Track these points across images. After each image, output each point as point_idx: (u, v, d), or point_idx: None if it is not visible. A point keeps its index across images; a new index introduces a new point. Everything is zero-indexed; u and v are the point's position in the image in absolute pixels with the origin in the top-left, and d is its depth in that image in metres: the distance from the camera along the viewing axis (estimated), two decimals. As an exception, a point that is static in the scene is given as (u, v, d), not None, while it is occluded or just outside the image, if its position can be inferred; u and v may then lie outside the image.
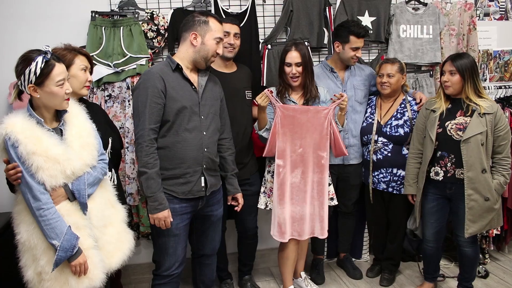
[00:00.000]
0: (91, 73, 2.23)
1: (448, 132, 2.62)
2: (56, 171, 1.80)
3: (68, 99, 1.90)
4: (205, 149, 2.32)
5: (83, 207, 1.93)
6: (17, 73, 1.82)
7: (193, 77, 2.33)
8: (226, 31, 2.68)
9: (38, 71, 1.78)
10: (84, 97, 2.26)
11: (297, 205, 2.70)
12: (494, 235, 3.35)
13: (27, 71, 1.78)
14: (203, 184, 2.33)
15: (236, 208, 2.62)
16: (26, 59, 1.80)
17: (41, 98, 1.83)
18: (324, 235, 2.79)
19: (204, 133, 2.32)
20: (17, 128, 1.77)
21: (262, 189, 2.86)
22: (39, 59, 1.78)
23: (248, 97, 2.84)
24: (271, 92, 2.65)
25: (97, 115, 2.22)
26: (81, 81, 2.13)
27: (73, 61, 2.10)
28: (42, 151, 1.78)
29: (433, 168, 2.69)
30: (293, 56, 2.66)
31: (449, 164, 2.63)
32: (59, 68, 1.83)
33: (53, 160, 1.80)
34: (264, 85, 3.11)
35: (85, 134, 1.98)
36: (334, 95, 2.70)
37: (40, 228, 1.81)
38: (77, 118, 1.99)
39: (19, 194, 1.87)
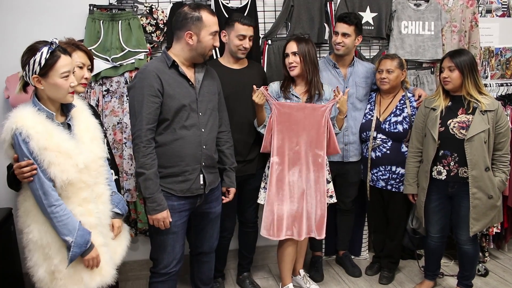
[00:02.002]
0: (91, 70, 2.20)
1: (450, 130, 2.59)
2: (68, 165, 1.79)
3: (72, 93, 1.87)
4: (204, 147, 2.28)
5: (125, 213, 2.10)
6: (22, 64, 1.80)
7: (189, 72, 2.29)
8: (242, 34, 2.65)
9: (43, 62, 1.76)
10: (81, 95, 2.23)
11: (295, 203, 2.68)
12: (494, 233, 3.34)
13: (31, 61, 1.76)
14: (201, 182, 2.30)
15: (223, 201, 2.57)
16: (31, 49, 1.78)
17: (45, 90, 1.80)
18: (321, 235, 2.75)
19: (203, 130, 2.28)
20: (28, 122, 1.75)
21: (263, 184, 2.83)
22: (45, 49, 1.76)
23: None
24: (266, 89, 2.62)
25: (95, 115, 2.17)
26: (75, 77, 2.03)
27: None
28: (54, 146, 1.76)
29: (435, 167, 2.67)
30: (290, 46, 2.66)
31: (452, 163, 2.61)
32: (64, 60, 1.81)
33: (65, 155, 1.78)
34: (265, 80, 3.08)
35: (93, 128, 1.99)
36: (336, 88, 2.67)
37: (51, 225, 1.79)
38: (83, 113, 2.00)
39: (25, 191, 1.86)
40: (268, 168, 2.80)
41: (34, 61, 1.75)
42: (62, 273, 1.80)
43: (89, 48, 2.78)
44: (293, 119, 2.62)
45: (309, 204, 2.71)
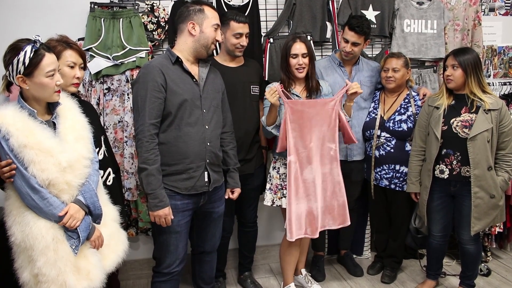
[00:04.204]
0: (84, 69, 2.16)
1: (453, 129, 2.58)
2: (49, 164, 1.74)
3: (59, 91, 1.83)
4: (208, 143, 2.27)
5: (97, 218, 1.92)
6: (5, 63, 1.75)
7: (193, 69, 2.29)
8: (239, 32, 2.64)
9: (27, 61, 1.71)
10: (76, 93, 2.17)
11: (313, 201, 2.65)
12: (496, 233, 3.33)
13: (15, 61, 1.71)
14: (206, 179, 2.29)
15: (225, 197, 2.56)
16: (14, 48, 1.73)
17: (31, 89, 1.76)
18: (346, 222, 2.74)
19: (207, 127, 2.27)
20: (8, 119, 1.71)
21: (268, 185, 2.81)
22: (28, 48, 1.71)
23: (254, 92, 2.80)
24: (282, 86, 2.60)
25: (89, 113, 2.10)
26: (66, 77, 2.02)
27: (60, 55, 2.00)
28: (34, 144, 1.71)
29: (438, 166, 2.66)
30: (300, 47, 2.64)
31: (454, 162, 2.60)
32: (49, 58, 1.76)
33: (46, 153, 1.73)
34: (266, 79, 3.06)
35: (79, 127, 1.92)
36: (346, 81, 2.69)
37: (45, 218, 1.75)
38: (71, 111, 1.93)
39: (7, 189, 1.82)
40: (274, 169, 2.79)
41: (18, 60, 1.70)
42: (45, 276, 1.73)
43: (90, 46, 2.79)
44: (306, 116, 2.61)
45: (323, 199, 2.68)
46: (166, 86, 2.16)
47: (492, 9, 3.59)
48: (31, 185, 1.73)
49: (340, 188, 2.71)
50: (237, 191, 2.56)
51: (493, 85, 3.35)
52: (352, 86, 2.62)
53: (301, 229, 2.64)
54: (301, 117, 2.60)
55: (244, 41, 2.67)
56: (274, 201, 2.79)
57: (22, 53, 1.71)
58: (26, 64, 1.71)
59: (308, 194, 2.64)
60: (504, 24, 3.61)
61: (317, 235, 2.70)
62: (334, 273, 3.29)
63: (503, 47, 3.62)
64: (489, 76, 3.60)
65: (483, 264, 3.22)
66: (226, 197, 2.54)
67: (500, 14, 3.61)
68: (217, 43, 2.37)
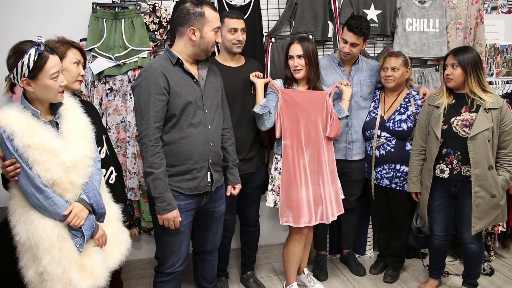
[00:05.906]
0: (84, 67, 2.18)
1: (454, 128, 2.58)
2: (53, 164, 1.75)
3: (62, 92, 1.85)
4: (211, 144, 2.27)
5: (101, 217, 1.93)
6: (9, 66, 1.76)
7: (193, 69, 2.28)
8: (233, 27, 2.64)
9: (31, 64, 1.72)
10: (77, 92, 2.20)
11: (314, 188, 2.70)
12: (499, 232, 3.32)
13: (19, 64, 1.72)
14: (209, 180, 2.29)
15: (227, 194, 2.57)
16: (18, 51, 1.73)
17: (35, 91, 1.77)
18: (341, 211, 2.84)
19: (209, 127, 2.27)
20: (12, 120, 1.72)
21: (270, 186, 2.82)
22: (32, 51, 1.72)
23: (255, 91, 2.80)
24: (271, 78, 2.78)
25: (90, 112, 2.12)
26: (73, 75, 2.06)
27: (65, 54, 2.03)
28: (38, 144, 1.73)
29: (438, 165, 2.65)
30: (295, 49, 2.67)
31: (455, 162, 2.59)
32: (53, 61, 1.77)
33: (50, 153, 1.75)
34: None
35: (82, 127, 1.94)
36: (340, 82, 2.81)
37: (49, 217, 1.77)
38: (73, 111, 1.95)
39: (11, 189, 1.83)
40: (276, 170, 2.79)
41: (22, 64, 1.71)
42: (50, 275, 1.75)
43: (92, 47, 2.80)
44: (300, 104, 2.68)
45: (328, 186, 2.74)
46: (169, 88, 2.15)
47: (494, 8, 3.57)
48: (35, 184, 1.74)
49: (335, 177, 2.82)
50: (238, 187, 2.56)
51: (495, 83, 3.34)
52: (341, 81, 2.83)
53: (301, 217, 2.68)
54: (295, 105, 2.69)
55: (240, 36, 2.67)
56: (276, 202, 2.78)
57: (26, 56, 1.71)
58: (31, 67, 1.72)
59: (307, 181, 2.68)
60: (507, 22, 3.58)
61: (329, 221, 2.75)
62: (336, 273, 3.29)
63: (505, 45, 3.60)
64: (492, 74, 3.58)
65: (486, 264, 3.21)
66: (228, 194, 2.54)
67: (502, 12, 3.59)
68: (216, 44, 2.36)
